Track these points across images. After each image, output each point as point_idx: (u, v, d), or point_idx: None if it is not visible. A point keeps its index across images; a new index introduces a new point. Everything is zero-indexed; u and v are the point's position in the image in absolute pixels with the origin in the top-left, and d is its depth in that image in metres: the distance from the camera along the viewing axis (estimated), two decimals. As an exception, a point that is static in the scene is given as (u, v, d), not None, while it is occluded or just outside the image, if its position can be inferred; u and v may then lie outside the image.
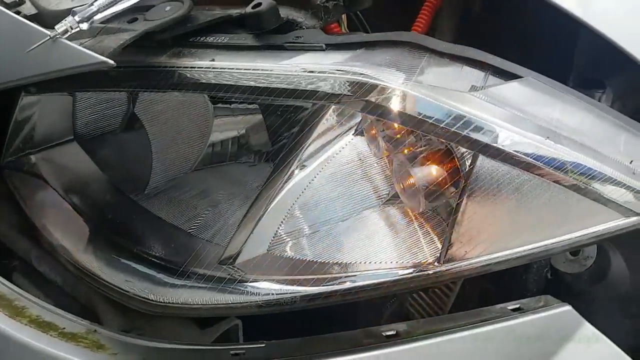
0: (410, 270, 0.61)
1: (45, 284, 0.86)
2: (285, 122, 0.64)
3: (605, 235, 0.58)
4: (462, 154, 0.58)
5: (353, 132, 0.69)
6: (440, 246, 0.61)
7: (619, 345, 0.72)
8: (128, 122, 0.90)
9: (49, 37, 0.65)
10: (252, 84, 0.62)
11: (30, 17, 0.79)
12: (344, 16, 0.92)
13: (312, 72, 0.60)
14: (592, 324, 0.71)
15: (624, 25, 0.70)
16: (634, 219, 0.57)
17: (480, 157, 0.57)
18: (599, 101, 0.82)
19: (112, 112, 0.90)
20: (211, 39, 0.70)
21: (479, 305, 0.72)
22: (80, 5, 0.71)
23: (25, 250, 0.86)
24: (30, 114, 0.92)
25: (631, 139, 0.60)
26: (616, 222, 0.57)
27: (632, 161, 0.57)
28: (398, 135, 0.64)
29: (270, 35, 0.67)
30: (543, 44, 0.84)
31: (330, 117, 0.66)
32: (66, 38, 0.66)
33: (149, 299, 0.66)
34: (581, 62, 0.83)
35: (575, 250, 0.77)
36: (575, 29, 0.72)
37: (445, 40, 0.97)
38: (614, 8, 0.72)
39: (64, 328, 0.72)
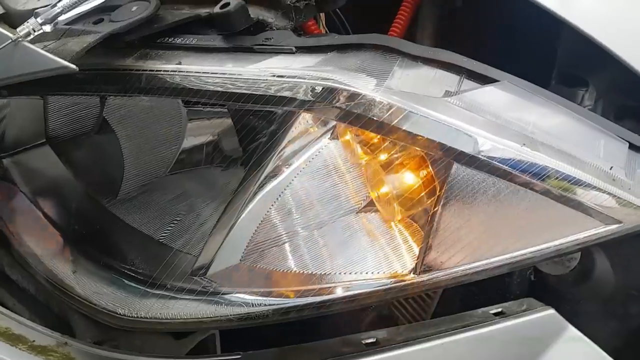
0: (386, 282, 0.59)
1: (19, 292, 0.84)
2: (256, 127, 0.62)
3: (586, 243, 0.57)
4: (437, 161, 0.56)
5: (329, 136, 0.67)
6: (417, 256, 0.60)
7: (604, 348, 0.72)
8: (101, 124, 0.88)
9: (10, 41, 0.63)
10: (220, 89, 0.60)
11: (-2, 17, 0.78)
12: (322, 15, 0.90)
13: (281, 76, 0.58)
14: (576, 326, 0.71)
15: (606, 23, 0.70)
16: (614, 226, 0.56)
17: (455, 165, 0.55)
18: (582, 99, 0.82)
19: (85, 114, 0.88)
20: (179, 40, 0.68)
21: (462, 308, 0.72)
22: (44, 7, 0.69)
23: (-1, 258, 0.84)
24: (1, 117, 0.89)
25: (611, 144, 0.58)
26: (597, 230, 0.56)
27: (612, 167, 0.56)
28: (373, 141, 0.62)
29: (240, 36, 0.65)
30: (525, 42, 0.83)
31: (305, 121, 0.64)
32: (30, 41, 0.64)
33: (117, 313, 0.64)
34: (564, 60, 0.82)
35: (557, 257, 0.76)
36: (557, 27, 0.71)
37: (427, 36, 0.96)
38: (595, 6, 0.71)
39: (34, 341, 0.71)
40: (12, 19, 0.80)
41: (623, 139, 0.60)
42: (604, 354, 0.73)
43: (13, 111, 0.92)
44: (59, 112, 0.88)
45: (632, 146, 0.60)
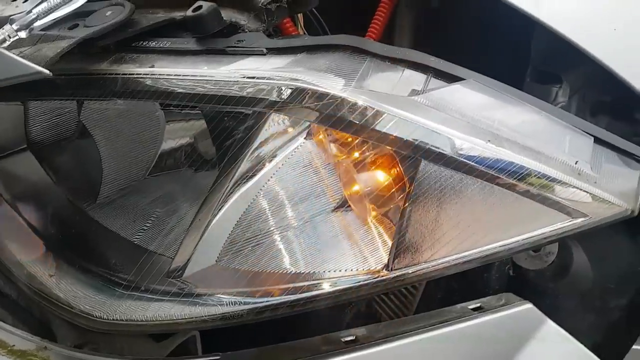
0: (360, 278, 0.60)
1: (1, 298, 0.84)
2: (228, 129, 0.63)
3: (554, 237, 0.58)
4: (405, 159, 0.57)
5: (304, 135, 0.67)
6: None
7: (582, 341, 0.72)
8: (82, 128, 0.88)
9: None
10: (192, 90, 0.60)
11: (-22, 24, 0.79)
12: (300, 16, 0.91)
13: (252, 77, 0.59)
14: (555, 320, 0.71)
15: (578, 22, 0.71)
16: (581, 220, 0.57)
17: (423, 162, 0.56)
18: (556, 96, 0.83)
19: (66, 119, 0.88)
20: (154, 43, 0.68)
21: (444, 304, 0.73)
22: (19, 13, 0.69)
23: (-21, 263, 0.84)
24: (-17, 122, 0.89)
25: (576, 139, 0.59)
26: (564, 224, 0.57)
27: (577, 162, 0.57)
28: (345, 140, 0.63)
29: (213, 39, 0.66)
30: (500, 41, 0.85)
31: (279, 120, 0.65)
32: (6, 47, 0.64)
33: (93, 316, 0.64)
34: (537, 58, 0.84)
35: (524, 251, 0.77)
36: (530, 27, 0.73)
37: (405, 36, 0.97)
38: (567, 6, 0.73)
39: (14, 345, 0.72)
40: None
41: (588, 133, 0.61)
42: (583, 347, 0.73)
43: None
44: (39, 117, 0.88)
45: (597, 140, 0.61)
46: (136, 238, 0.71)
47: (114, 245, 0.73)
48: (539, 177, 0.55)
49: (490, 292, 0.82)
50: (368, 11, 0.93)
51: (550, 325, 0.71)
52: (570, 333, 0.71)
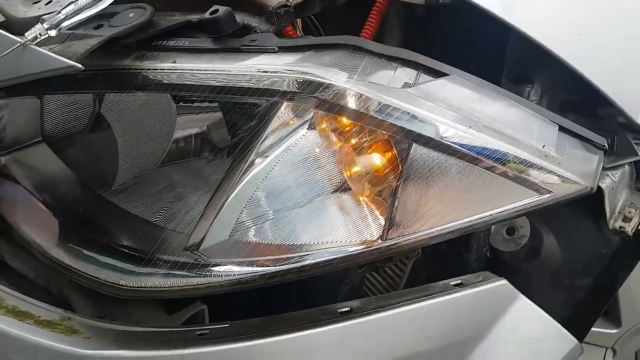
0: (357, 247, 0.67)
1: (18, 279, 0.89)
2: (243, 118, 0.70)
3: (524, 211, 0.66)
4: (399, 142, 0.65)
5: (307, 126, 0.75)
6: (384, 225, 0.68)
7: (552, 316, 0.80)
8: (94, 122, 0.94)
9: (19, 44, 0.68)
10: (212, 83, 0.67)
11: (-2, 25, 0.82)
12: (299, 20, 0.98)
13: (266, 72, 0.66)
14: (527, 296, 0.77)
15: (547, 27, 0.75)
16: (547, 196, 0.65)
17: (414, 146, 0.64)
18: (528, 95, 0.90)
19: (78, 114, 0.94)
20: (172, 42, 0.74)
21: (428, 282, 0.78)
22: (49, 13, 0.75)
23: (-3, 247, 0.89)
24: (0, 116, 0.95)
25: (543, 126, 0.68)
26: (532, 199, 0.65)
27: (544, 145, 0.65)
28: (345, 128, 0.71)
29: (227, 39, 0.72)
30: (478, 45, 0.89)
31: (285, 112, 0.72)
32: (35, 44, 0.69)
33: (119, 284, 0.70)
34: (511, 60, 0.89)
35: (497, 224, 0.85)
36: (505, 32, 0.78)
37: (393, 40, 1.05)
38: (537, 12, 0.78)
39: (39, 316, 0.75)
40: (13, 27, 0.85)
41: (554, 122, 0.70)
42: (552, 320, 0.80)
43: (12, 111, 0.97)
44: (54, 112, 0.94)
45: (561, 128, 0.69)
46: (155, 219, 0.77)
47: (132, 225, 0.79)
48: (512, 159, 0.64)
49: (470, 272, 0.87)
50: (359, 19, 1.00)
51: (523, 300, 0.77)
52: (541, 308, 0.78)
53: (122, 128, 0.88)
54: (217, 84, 0.67)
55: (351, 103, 0.63)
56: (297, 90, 0.64)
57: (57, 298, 0.87)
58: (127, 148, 0.88)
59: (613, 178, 0.78)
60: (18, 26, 0.83)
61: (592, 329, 0.92)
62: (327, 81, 0.64)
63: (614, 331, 1.07)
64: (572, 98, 0.88)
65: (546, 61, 0.75)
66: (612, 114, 0.80)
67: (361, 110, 0.63)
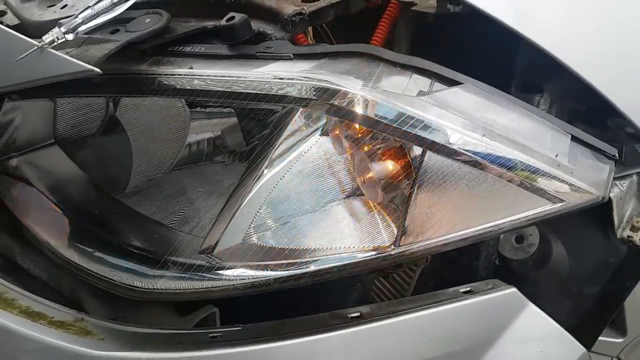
0: (370, 254, 0.68)
1: (30, 280, 0.89)
2: (258, 124, 0.71)
3: (536, 219, 0.66)
4: (413, 150, 0.66)
5: (319, 132, 0.76)
6: (396, 232, 0.69)
7: (560, 324, 0.80)
8: (107, 125, 0.94)
9: (37, 47, 0.69)
10: (228, 89, 0.68)
11: (14, 28, 0.83)
12: (310, 28, 1.00)
13: (281, 78, 0.67)
14: (536, 304, 0.78)
15: (558, 37, 0.77)
16: (559, 205, 0.66)
17: (428, 153, 0.65)
18: (538, 104, 0.91)
19: (91, 117, 0.94)
20: (189, 48, 0.75)
21: (437, 290, 0.79)
22: (66, 17, 0.76)
23: (10, 248, 0.89)
24: (12, 119, 0.95)
25: (556, 135, 0.68)
26: (544, 208, 0.66)
27: (557, 155, 0.66)
28: (359, 135, 0.71)
29: (243, 45, 0.73)
30: (488, 54, 0.90)
31: (298, 119, 0.73)
32: (52, 48, 0.70)
33: (134, 286, 0.71)
34: (521, 70, 0.91)
35: (508, 233, 0.85)
36: (515, 41, 0.79)
37: (402, 48, 1.06)
38: (548, 22, 0.79)
39: (53, 317, 0.75)
40: (28, 30, 0.86)
41: (566, 131, 0.70)
42: (560, 328, 0.80)
43: (24, 113, 0.98)
44: (67, 114, 0.94)
45: (574, 138, 0.70)
46: (171, 222, 0.78)
47: (147, 227, 0.80)
48: (525, 168, 0.64)
49: (479, 280, 0.86)
50: (369, 27, 1.01)
51: (532, 307, 0.78)
52: (549, 316, 0.79)
53: (136, 132, 0.88)
54: (233, 90, 0.67)
55: (366, 110, 0.64)
56: (312, 97, 0.65)
57: (69, 299, 0.87)
58: (141, 152, 0.88)
59: (621, 188, 0.79)
60: (33, 29, 0.84)
61: (597, 337, 0.92)
62: (343, 88, 0.65)
63: (619, 340, 1.06)
64: (581, 108, 0.89)
65: (556, 71, 0.76)
66: (620, 124, 0.81)
67: (376, 118, 0.64)
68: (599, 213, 0.77)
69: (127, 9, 0.75)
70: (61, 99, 0.93)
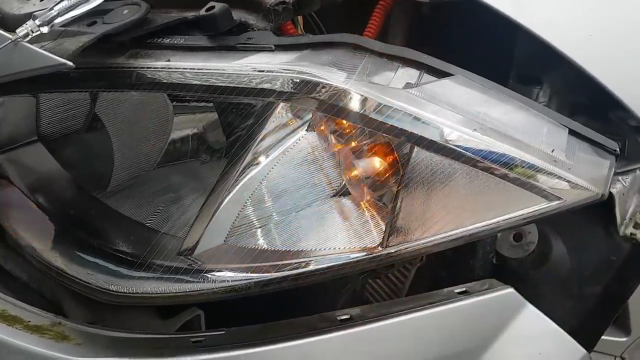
0: (357, 255, 0.65)
1: (12, 281, 0.87)
2: (238, 119, 0.68)
3: (532, 218, 0.63)
4: (400, 146, 0.62)
5: (306, 128, 0.73)
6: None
7: (559, 325, 0.78)
8: (90, 122, 0.92)
9: (10, 41, 0.67)
10: (206, 83, 0.65)
11: (-8, 21, 0.82)
12: (300, 18, 0.96)
13: (261, 71, 0.64)
14: (534, 304, 0.76)
15: (558, 27, 0.75)
16: (556, 203, 0.62)
17: (416, 149, 0.61)
18: (537, 96, 0.88)
19: (74, 113, 0.92)
20: (167, 40, 0.73)
21: (432, 290, 0.76)
22: (41, 10, 0.73)
23: (-10, 250, 0.88)
24: (-6, 115, 0.93)
25: (552, 129, 0.65)
26: (540, 206, 0.62)
27: (553, 150, 0.63)
28: (345, 130, 0.68)
29: (224, 36, 0.70)
30: (486, 45, 0.87)
31: (283, 113, 0.70)
32: (27, 41, 0.68)
33: (110, 290, 0.68)
34: (520, 61, 0.88)
35: (505, 232, 0.82)
36: (513, 31, 0.77)
37: (397, 38, 1.03)
38: (548, 11, 0.76)
39: (29, 321, 0.73)
40: (7, 23, 0.83)
41: (563, 125, 0.67)
42: (560, 329, 0.78)
43: (7, 110, 0.96)
44: (50, 111, 0.92)
45: (571, 132, 0.67)
46: (148, 221, 0.76)
47: (124, 228, 0.78)
48: (519, 164, 0.61)
49: (475, 279, 0.84)
50: (361, 19, 0.98)
51: (530, 308, 0.75)
52: (549, 317, 0.77)
53: (118, 128, 0.86)
54: (211, 83, 0.64)
55: (350, 104, 0.61)
56: (292, 91, 0.62)
57: (50, 301, 0.86)
58: (122, 148, 0.86)
59: (624, 183, 0.77)
60: (11, 22, 0.81)
61: (600, 336, 0.89)
62: (325, 81, 0.62)
63: (623, 339, 1.04)
64: (582, 100, 0.86)
65: (556, 62, 0.74)
66: (623, 117, 0.78)
67: (360, 112, 0.61)
68: (600, 209, 0.74)
69: (106, 0, 0.72)
70: (44, 95, 0.91)
